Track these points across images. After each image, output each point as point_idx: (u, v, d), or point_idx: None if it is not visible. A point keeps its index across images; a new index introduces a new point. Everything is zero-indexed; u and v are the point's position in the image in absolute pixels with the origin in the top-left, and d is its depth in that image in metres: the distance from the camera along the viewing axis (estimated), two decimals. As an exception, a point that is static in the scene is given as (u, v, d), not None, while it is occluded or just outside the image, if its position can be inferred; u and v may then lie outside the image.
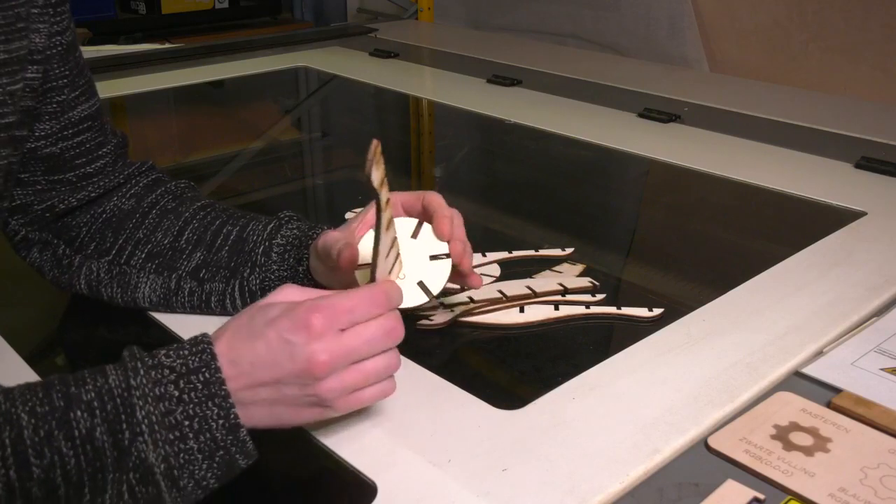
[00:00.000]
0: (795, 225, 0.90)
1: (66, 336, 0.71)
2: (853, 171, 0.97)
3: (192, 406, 0.44)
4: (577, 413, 0.54)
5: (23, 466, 0.40)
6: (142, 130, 1.31)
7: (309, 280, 0.63)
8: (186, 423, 0.44)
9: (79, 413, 0.42)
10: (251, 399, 0.46)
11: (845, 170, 0.97)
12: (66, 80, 0.64)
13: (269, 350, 0.46)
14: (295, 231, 0.64)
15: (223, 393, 0.44)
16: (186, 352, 0.45)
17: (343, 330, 0.47)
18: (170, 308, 0.65)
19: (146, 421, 0.43)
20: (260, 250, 0.63)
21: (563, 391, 0.56)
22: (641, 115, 1.18)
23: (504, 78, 1.36)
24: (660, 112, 1.17)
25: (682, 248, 0.89)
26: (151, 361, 0.45)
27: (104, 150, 0.68)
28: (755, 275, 0.72)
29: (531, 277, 0.73)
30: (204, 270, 0.64)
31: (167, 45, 1.71)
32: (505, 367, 0.64)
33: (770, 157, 1.02)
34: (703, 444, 0.51)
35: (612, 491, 0.47)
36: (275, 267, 0.63)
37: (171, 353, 0.45)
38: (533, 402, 0.55)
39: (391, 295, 0.49)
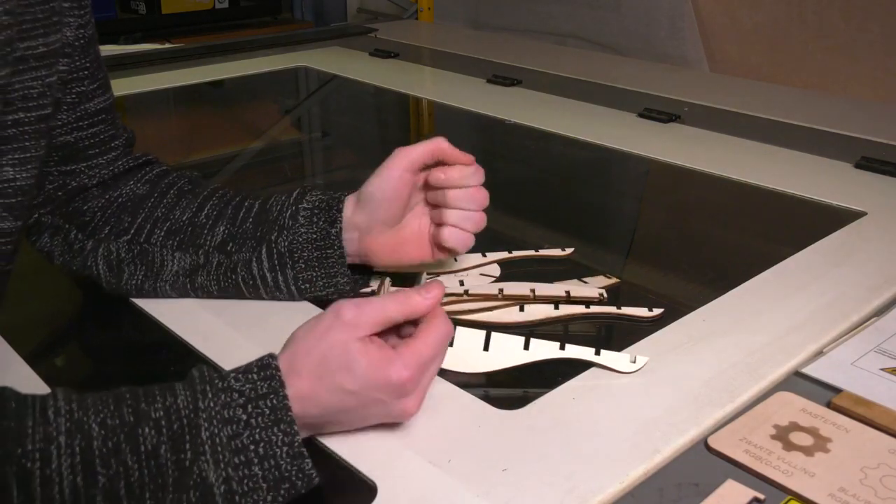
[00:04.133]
0: (795, 225, 0.90)
1: (67, 336, 0.71)
2: (853, 171, 0.97)
3: (258, 431, 0.44)
4: (577, 413, 0.54)
5: (89, 474, 0.41)
6: (142, 130, 1.30)
7: (339, 243, 0.63)
8: (252, 447, 0.44)
9: (146, 429, 0.43)
10: (319, 427, 0.49)
11: (845, 170, 0.97)
12: (86, 72, 0.65)
13: (361, 406, 0.49)
14: (320, 195, 0.66)
15: (288, 419, 0.45)
16: (255, 376, 0.46)
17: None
18: (192, 285, 0.65)
19: (209, 441, 0.43)
20: (287, 214, 0.65)
21: (563, 391, 0.56)
22: (641, 115, 1.18)
23: (504, 78, 1.36)
24: (660, 112, 1.17)
25: (682, 248, 0.88)
26: (221, 384, 0.45)
27: (116, 142, 0.69)
28: (755, 275, 0.72)
29: (560, 283, 0.73)
30: (231, 243, 0.65)
31: (167, 45, 1.71)
32: (505, 367, 0.64)
33: (770, 157, 1.02)
34: (703, 444, 0.51)
35: (612, 491, 0.47)
36: (303, 230, 0.63)
37: (241, 376, 0.46)
38: (533, 402, 0.55)
39: (451, 329, 0.53)
